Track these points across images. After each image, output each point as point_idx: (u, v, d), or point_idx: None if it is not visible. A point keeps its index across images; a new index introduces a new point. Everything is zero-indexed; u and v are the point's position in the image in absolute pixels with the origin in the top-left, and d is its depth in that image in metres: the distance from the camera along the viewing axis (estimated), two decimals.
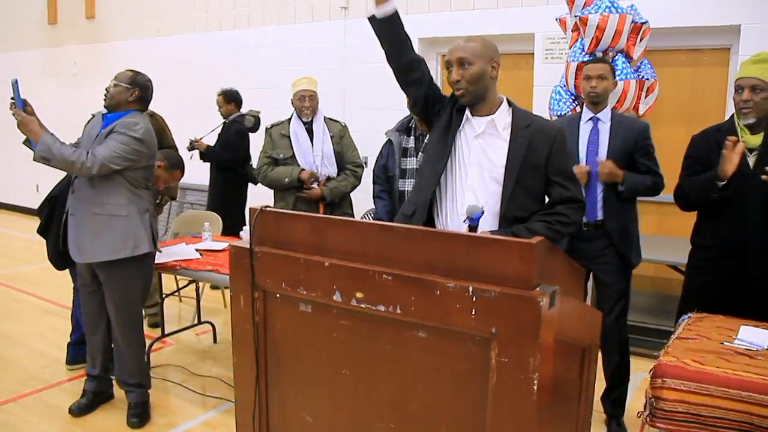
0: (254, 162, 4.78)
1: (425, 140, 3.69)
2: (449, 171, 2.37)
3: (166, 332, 4.32)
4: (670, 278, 4.48)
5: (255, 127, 5.68)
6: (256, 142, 5.06)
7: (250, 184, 5.65)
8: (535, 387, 1.46)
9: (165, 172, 3.54)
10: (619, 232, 3.13)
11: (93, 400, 3.46)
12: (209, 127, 5.94)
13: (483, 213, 2.18)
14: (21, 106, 2.97)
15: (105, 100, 3.24)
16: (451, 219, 2.38)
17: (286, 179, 4.12)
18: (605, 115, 3.15)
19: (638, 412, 2.33)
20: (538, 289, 1.48)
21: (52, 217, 3.33)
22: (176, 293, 4.78)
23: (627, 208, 3.17)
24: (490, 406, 1.53)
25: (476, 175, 2.34)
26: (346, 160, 4.25)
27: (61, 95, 6.95)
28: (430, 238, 1.63)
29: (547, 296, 1.45)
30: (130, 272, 3.20)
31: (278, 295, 1.88)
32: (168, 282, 4.66)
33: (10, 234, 4.72)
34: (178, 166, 3.59)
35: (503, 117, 2.37)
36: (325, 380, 1.84)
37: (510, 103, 2.43)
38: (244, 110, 5.80)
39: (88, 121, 3.38)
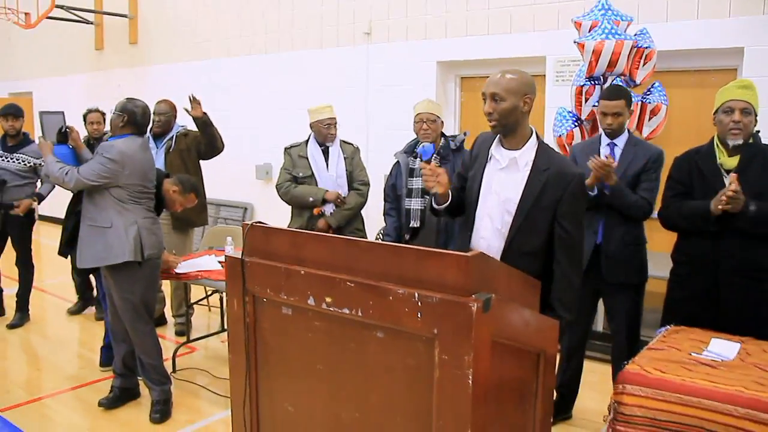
0: None
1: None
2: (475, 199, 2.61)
3: (193, 338, 4.66)
4: None
5: None
6: None
7: None
8: (470, 381, 1.68)
9: (180, 195, 3.80)
10: (614, 250, 3.29)
11: (120, 395, 3.80)
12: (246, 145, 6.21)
13: (432, 148, 2.55)
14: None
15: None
16: (471, 239, 2.62)
17: (311, 198, 4.35)
18: (621, 141, 3.36)
19: (603, 416, 2.52)
20: (473, 296, 1.71)
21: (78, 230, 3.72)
22: (201, 302, 5.09)
23: (629, 229, 3.32)
24: (435, 396, 1.76)
25: (494, 203, 2.54)
26: (355, 179, 4.48)
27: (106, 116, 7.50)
28: (386, 251, 1.88)
29: (481, 302, 1.68)
30: (126, 278, 3.54)
31: (265, 300, 2.15)
32: (200, 293, 5.00)
33: (54, 245, 5.17)
34: (192, 189, 3.88)
35: (527, 154, 2.51)
36: (303, 374, 2.10)
37: (538, 138, 2.55)
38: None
39: None
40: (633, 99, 3.95)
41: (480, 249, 2.46)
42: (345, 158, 4.48)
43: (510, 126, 2.49)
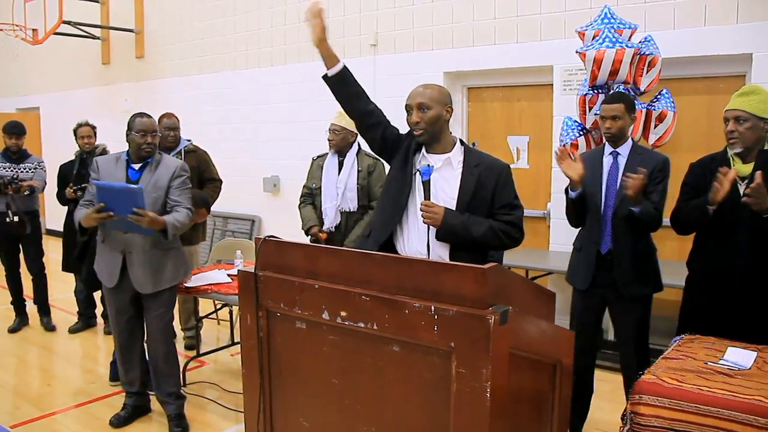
0: None
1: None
2: (410, 201, 2.65)
3: (203, 352, 4.65)
4: None
5: None
6: None
7: None
8: (488, 394, 1.67)
9: None
10: (627, 262, 3.21)
11: (132, 413, 3.77)
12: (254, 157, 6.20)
13: (431, 168, 2.57)
14: (126, 212, 3.19)
15: (145, 150, 3.45)
16: (409, 243, 2.66)
17: (304, 224, 4.48)
18: (625, 149, 3.28)
19: (620, 427, 2.49)
20: (491, 308, 1.69)
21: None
22: (211, 316, 5.08)
23: (639, 238, 3.23)
24: (452, 410, 1.75)
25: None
26: (373, 197, 4.32)
27: (114, 130, 7.49)
28: (401, 264, 1.87)
29: (498, 314, 1.67)
30: (173, 295, 3.63)
31: (278, 314, 2.15)
32: (208, 306, 4.99)
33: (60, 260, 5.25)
34: (203, 204, 3.89)
35: (457, 155, 2.69)
36: (317, 389, 2.09)
37: (463, 143, 2.73)
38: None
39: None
40: (636, 107, 3.90)
41: (417, 251, 2.61)
42: (359, 171, 4.33)
43: (435, 134, 2.65)
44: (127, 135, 3.49)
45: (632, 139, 3.36)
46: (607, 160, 3.30)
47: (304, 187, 4.57)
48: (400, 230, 2.67)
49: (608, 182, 3.26)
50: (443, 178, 2.65)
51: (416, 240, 2.63)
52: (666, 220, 3.24)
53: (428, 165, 2.59)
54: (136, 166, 3.49)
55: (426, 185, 2.56)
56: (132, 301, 3.57)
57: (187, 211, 3.45)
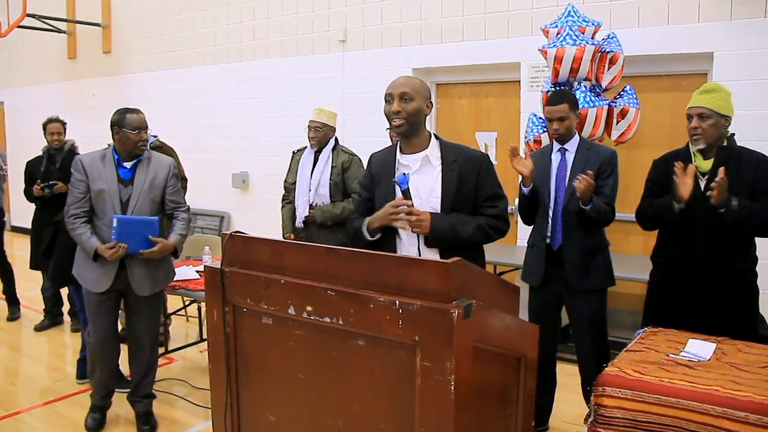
0: None
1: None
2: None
3: (171, 349, 4.62)
4: None
5: None
6: None
7: None
8: (452, 387, 1.69)
9: None
10: (577, 256, 3.24)
11: (104, 415, 3.72)
12: (222, 153, 6.17)
13: (407, 175, 2.53)
14: (138, 249, 3.31)
15: (140, 148, 3.37)
16: (405, 251, 2.65)
17: (283, 230, 4.54)
18: (572, 146, 3.31)
19: (584, 418, 2.54)
20: (454, 302, 1.71)
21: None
22: (179, 312, 5.04)
23: (589, 233, 3.26)
24: (417, 403, 1.76)
25: (418, 206, 2.56)
26: (350, 191, 4.31)
27: (80, 126, 7.39)
28: (366, 259, 1.88)
29: (462, 308, 1.69)
30: (162, 296, 3.67)
31: (245, 309, 2.14)
32: (177, 303, 4.95)
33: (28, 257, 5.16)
34: None
35: (435, 151, 2.61)
36: (284, 384, 2.09)
37: (437, 137, 2.67)
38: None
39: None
40: (579, 104, 3.81)
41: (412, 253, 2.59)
42: (333, 167, 4.31)
43: (414, 127, 2.56)
44: (116, 133, 3.33)
45: (579, 134, 3.39)
46: (555, 157, 3.33)
47: (284, 182, 4.56)
48: (399, 239, 2.64)
49: (557, 179, 3.30)
50: (423, 178, 2.59)
51: (408, 247, 2.61)
52: (626, 215, 3.31)
53: (403, 174, 2.53)
54: (127, 165, 3.38)
55: (406, 194, 2.52)
56: (116, 304, 3.53)
57: (186, 216, 3.52)
